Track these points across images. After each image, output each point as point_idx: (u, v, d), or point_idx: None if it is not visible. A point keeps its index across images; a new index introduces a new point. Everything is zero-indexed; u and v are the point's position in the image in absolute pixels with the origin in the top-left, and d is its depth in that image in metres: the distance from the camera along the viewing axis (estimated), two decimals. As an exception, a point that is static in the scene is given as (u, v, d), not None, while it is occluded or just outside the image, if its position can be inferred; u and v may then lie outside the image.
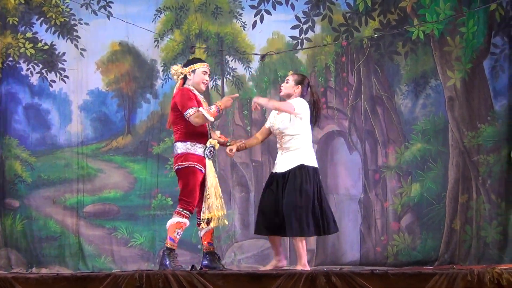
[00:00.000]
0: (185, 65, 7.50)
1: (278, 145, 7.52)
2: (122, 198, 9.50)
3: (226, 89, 9.63)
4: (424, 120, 9.52)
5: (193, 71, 7.41)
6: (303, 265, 7.37)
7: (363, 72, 9.62)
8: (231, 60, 9.66)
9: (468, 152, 9.36)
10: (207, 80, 7.48)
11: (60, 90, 9.57)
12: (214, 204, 7.33)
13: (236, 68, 9.64)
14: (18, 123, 9.52)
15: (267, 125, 7.65)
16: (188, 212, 7.21)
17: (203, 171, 7.29)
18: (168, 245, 7.22)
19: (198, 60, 7.60)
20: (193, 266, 7.18)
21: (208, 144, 7.32)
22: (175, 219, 7.20)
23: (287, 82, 7.55)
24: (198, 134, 7.28)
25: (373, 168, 9.55)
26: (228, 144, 7.63)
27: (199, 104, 7.24)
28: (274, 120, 7.52)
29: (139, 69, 9.18)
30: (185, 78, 7.45)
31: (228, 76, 9.62)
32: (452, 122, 9.43)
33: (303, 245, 7.39)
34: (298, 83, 7.53)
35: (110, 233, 9.43)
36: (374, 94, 9.60)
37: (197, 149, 7.26)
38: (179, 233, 7.22)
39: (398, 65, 9.61)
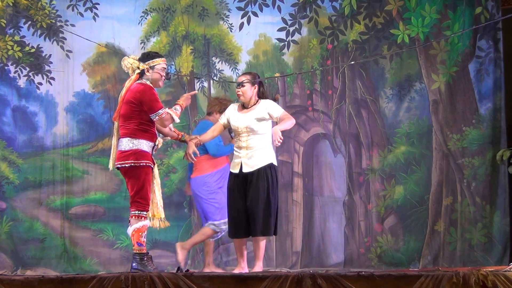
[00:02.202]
0: (143, 60, 7.18)
1: (241, 144, 7.46)
2: (108, 199, 9.47)
3: (212, 91, 9.63)
4: (408, 123, 9.56)
5: (152, 67, 7.14)
6: (260, 267, 7.46)
7: (348, 75, 9.65)
8: (218, 62, 9.66)
9: (453, 155, 9.41)
10: (165, 76, 7.26)
11: (46, 92, 9.52)
12: (160, 204, 7.22)
13: (223, 70, 9.64)
14: (6, 125, 9.47)
15: (222, 121, 7.60)
16: (145, 213, 7.02)
17: (153, 168, 7.14)
18: (137, 251, 7.02)
19: (157, 55, 7.27)
20: (179, 268, 7.14)
21: (156, 142, 7.16)
22: (138, 224, 6.99)
23: (243, 86, 7.49)
24: (151, 132, 7.08)
25: (357, 170, 9.58)
26: (182, 139, 7.53)
27: None
28: (242, 119, 7.48)
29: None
30: (141, 73, 7.16)
31: (214, 77, 9.61)
32: (436, 126, 9.48)
33: (264, 246, 7.51)
34: (254, 83, 7.53)
35: (96, 235, 9.40)
36: (359, 97, 9.62)
37: (147, 147, 7.04)
38: (145, 236, 7.05)
39: (383, 69, 9.65)
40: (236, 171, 7.44)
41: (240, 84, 7.50)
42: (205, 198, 8.20)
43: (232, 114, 7.57)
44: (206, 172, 8.16)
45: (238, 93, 7.52)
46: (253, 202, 7.31)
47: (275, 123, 7.43)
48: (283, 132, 7.27)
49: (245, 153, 7.42)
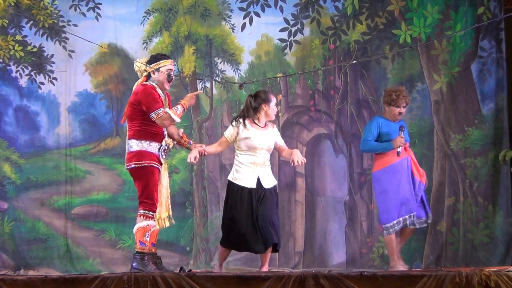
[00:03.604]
0: (149, 62, 7.28)
1: (257, 160, 7.54)
2: (111, 200, 9.47)
3: (214, 91, 9.63)
4: (410, 123, 9.54)
5: (157, 69, 7.23)
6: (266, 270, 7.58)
7: (350, 76, 9.64)
8: (220, 62, 9.66)
9: (455, 155, 9.41)
10: (167, 77, 7.30)
11: (48, 92, 9.53)
12: (166, 204, 7.24)
13: (225, 70, 9.64)
14: (8, 125, 9.47)
15: (230, 138, 7.61)
16: (152, 213, 7.08)
17: (160, 169, 7.19)
18: (139, 250, 7.08)
19: (163, 57, 7.36)
20: (181, 268, 7.16)
21: (163, 143, 7.21)
22: (143, 222, 7.06)
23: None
24: (154, 133, 7.14)
25: (359, 171, 9.58)
26: (188, 146, 7.57)
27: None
28: (263, 137, 7.56)
29: (128, 70, 9.19)
30: (148, 75, 7.26)
31: (217, 78, 9.61)
32: (437, 126, 9.48)
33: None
34: None
35: (99, 235, 9.41)
36: (361, 98, 9.62)
37: (151, 147, 7.09)
38: (148, 236, 7.09)
39: (384, 69, 9.64)
40: (253, 186, 7.48)
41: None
42: (377, 196, 8.19)
43: (246, 129, 7.54)
44: (377, 168, 8.09)
45: (278, 113, 7.74)
46: (270, 217, 7.43)
47: None
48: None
49: (261, 170, 7.53)
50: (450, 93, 9.48)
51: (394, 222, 7.96)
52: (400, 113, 8.11)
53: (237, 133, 7.58)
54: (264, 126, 7.62)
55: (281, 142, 7.74)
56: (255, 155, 7.55)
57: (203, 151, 7.55)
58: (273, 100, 7.59)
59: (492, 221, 9.28)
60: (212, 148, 7.78)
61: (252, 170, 7.53)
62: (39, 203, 9.39)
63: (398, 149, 7.98)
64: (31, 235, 9.35)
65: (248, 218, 7.46)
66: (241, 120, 7.61)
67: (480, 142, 9.37)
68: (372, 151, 8.18)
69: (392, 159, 8.01)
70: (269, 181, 7.55)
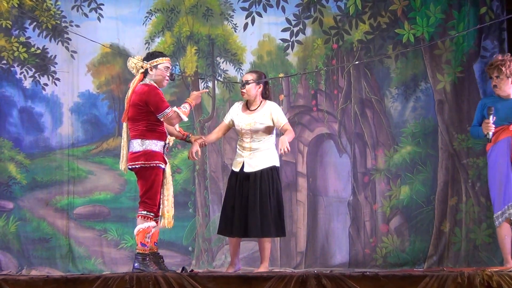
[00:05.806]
0: (147, 59, 7.26)
1: (244, 144, 7.53)
2: (113, 200, 9.47)
3: (217, 91, 9.63)
4: (414, 123, 9.55)
5: (155, 66, 7.20)
6: (266, 268, 7.48)
7: (353, 75, 9.64)
8: (222, 62, 9.67)
9: (457, 155, 9.40)
10: (169, 77, 7.31)
11: (52, 92, 9.54)
12: (169, 203, 7.24)
13: (227, 70, 9.64)
14: (13, 125, 9.48)
15: (227, 120, 7.68)
16: (153, 214, 7.08)
17: (165, 169, 7.20)
18: (140, 251, 7.07)
19: (161, 55, 7.34)
20: (183, 268, 7.17)
21: (166, 141, 7.21)
22: (144, 224, 7.04)
23: (247, 84, 7.53)
24: (159, 132, 7.14)
25: (363, 170, 9.57)
26: (187, 139, 7.59)
27: None
28: (246, 120, 7.53)
29: (130, 71, 9.18)
30: (145, 72, 7.23)
31: (219, 77, 9.62)
32: (441, 125, 9.47)
33: (270, 247, 7.54)
34: (258, 82, 7.55)
35: (101, 235, 9.40)
36: (364, 97, 9.62)
37: (158, 147, 7.09)
38: (149, 237, 7.09)
39: (388, 68, 9.64)
40: (237, 169, 7.50)
41: (245, 83, 7.54)
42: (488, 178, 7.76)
43: (236, 114, 7.61)
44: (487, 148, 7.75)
45: (242, 91, 7.58)
46: (252, 203, 7.35)
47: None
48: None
49: (248, 154, 7.48)
50: (453, 93, 9.47)
51: (499, 213, 7.49)
52: (494, 86, 7.64)
53: (232, 117, 7.63)
54: (254, 109, 7.56)
55: (280, 122, 7.51)
56: (242, 139, 7.55)
57: (203, 142, 7.58)
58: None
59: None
60: (213, 136, 7.78)
61: (241, 154, 7.54)
62: (44, 203, 9.42)
63: (487, 135, 7.53)
64: (36, 234, 9.35)
65: (231, 202, 7.48)
66: (237, 103, 7.69)
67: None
68: (473, 137, 8.03)
69: (489, 145, 7.62)
70: (252, 165, 7.45)
